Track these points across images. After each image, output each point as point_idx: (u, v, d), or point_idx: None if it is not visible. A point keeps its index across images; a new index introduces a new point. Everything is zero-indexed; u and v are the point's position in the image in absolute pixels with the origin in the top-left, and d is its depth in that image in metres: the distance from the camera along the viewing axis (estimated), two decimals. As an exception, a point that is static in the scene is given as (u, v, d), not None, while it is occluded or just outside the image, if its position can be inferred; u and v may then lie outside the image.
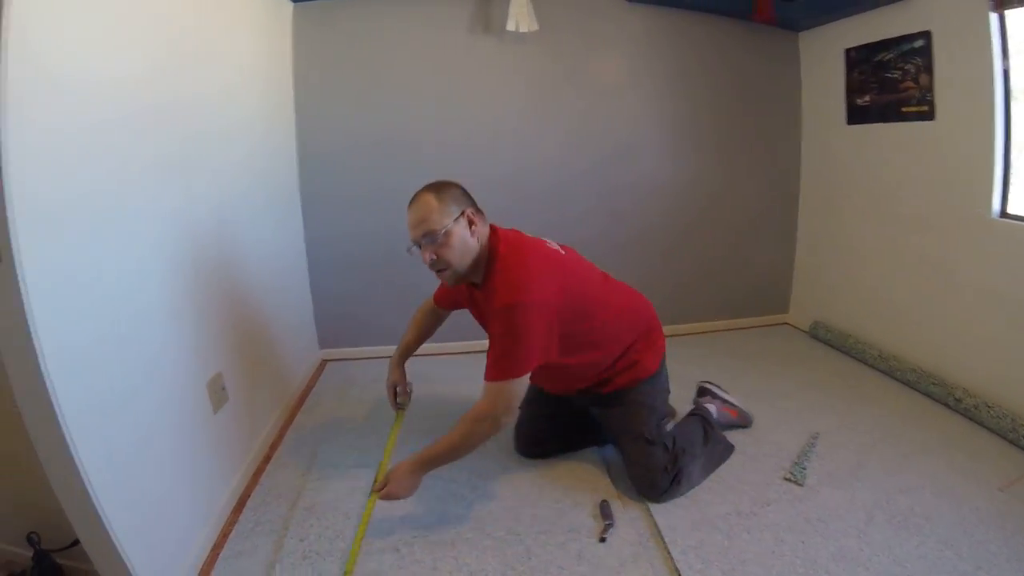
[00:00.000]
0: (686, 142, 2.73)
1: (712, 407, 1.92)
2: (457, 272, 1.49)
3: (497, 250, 1.48)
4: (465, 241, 1.46)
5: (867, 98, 2.41)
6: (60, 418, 1.12)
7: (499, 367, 1.42)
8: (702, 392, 2.06)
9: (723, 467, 1.82)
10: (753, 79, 2.70)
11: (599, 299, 1.61)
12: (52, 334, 1.08)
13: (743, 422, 2.01)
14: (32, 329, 1.04)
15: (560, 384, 1.76)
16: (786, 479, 1.75)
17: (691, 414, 1.90)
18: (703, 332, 2.95)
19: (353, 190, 2.65)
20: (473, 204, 1.54)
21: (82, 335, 1.19)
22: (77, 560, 1.56)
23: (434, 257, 1.45)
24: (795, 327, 3.01)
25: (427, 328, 1.91)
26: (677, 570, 1.41)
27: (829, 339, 2.71)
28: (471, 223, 1.48)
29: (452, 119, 2.64)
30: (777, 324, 3.06)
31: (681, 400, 2.04)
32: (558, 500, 1.70)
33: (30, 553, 1.55)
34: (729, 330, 2.97)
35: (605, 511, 1.64)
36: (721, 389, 2.06)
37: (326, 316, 2.74)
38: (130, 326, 1.36)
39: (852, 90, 2.49)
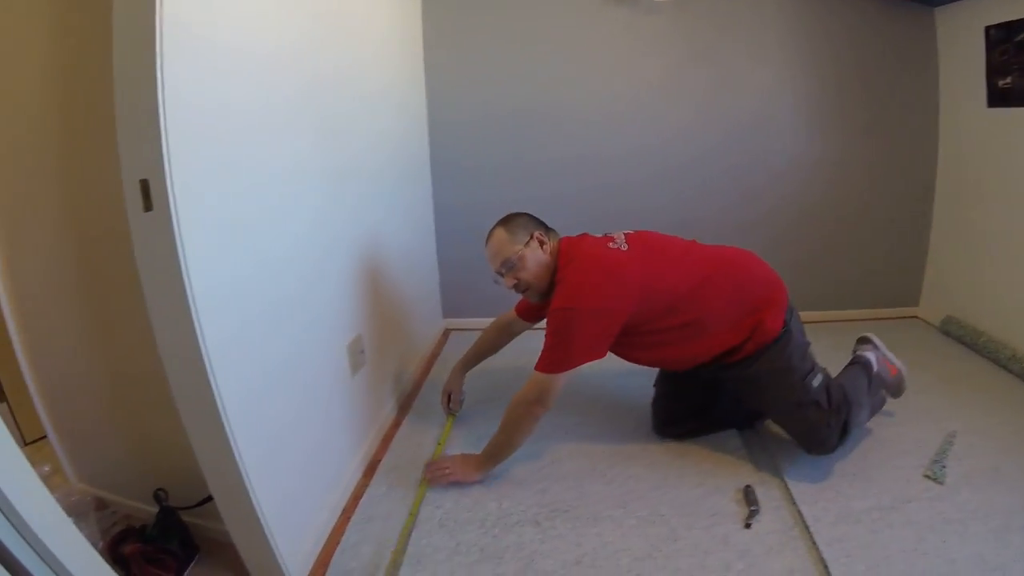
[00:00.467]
0: (816, 122, 2.74)
1: (871, 355, 1.94)
2: (539, 289, 1.76)
3: (560, 262, 1.71)
4: (539, 260, 1.73)
5: (1009, 80, 2.35)
6: (206, 361, 1.16)
7: (544, 361, 1.63)
8: (863, 340, 2.06)
9: (865, 460, 1.91)
10: (887, 58, 2.63)
11: (681, 283, 1.68)
12: (202, 277, 1.11)
13: (895, 387, 1.99)
14: (184, 272, 1.08)
15: (683, 365, 1.82)
16: (926, 476, 1.78)
17: (853, 363, 1.95)
18: (827, 321, 2.98)
19: (481, 160, 2.83)
20: (541, 226, 1.80)
21: (229, 279, 1.22)
22: (203, 519, 1.66)
23: (515, 281, 1.75)
24: (925, 321, 2.96)
25: (498, 342, 2.16)
26: (823, 561, 1.45)
27: (961, 335, 2.64)
28: (541, 243, 1.74)
29: (582, 91, 2.73)
30: (906, 317, 3.05)
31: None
32: (699, 483, 1.81)
33: (155, 509, 1.65)
34: (854, 320, 2.96)
35: (750, 497, 1.75)
36: (881, 343, 2.04)
37: (451, 285, 2.93)
38: (277, 276, 1.41)
39: (993, 71, 2.39)
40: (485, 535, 1.64)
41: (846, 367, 1.94)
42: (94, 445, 1.85)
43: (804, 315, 2.73)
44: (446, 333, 2.97)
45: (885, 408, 2.09)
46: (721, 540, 1.56)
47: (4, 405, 2.00)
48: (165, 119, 1.01)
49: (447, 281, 2.93)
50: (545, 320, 1.68)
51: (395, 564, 1.57)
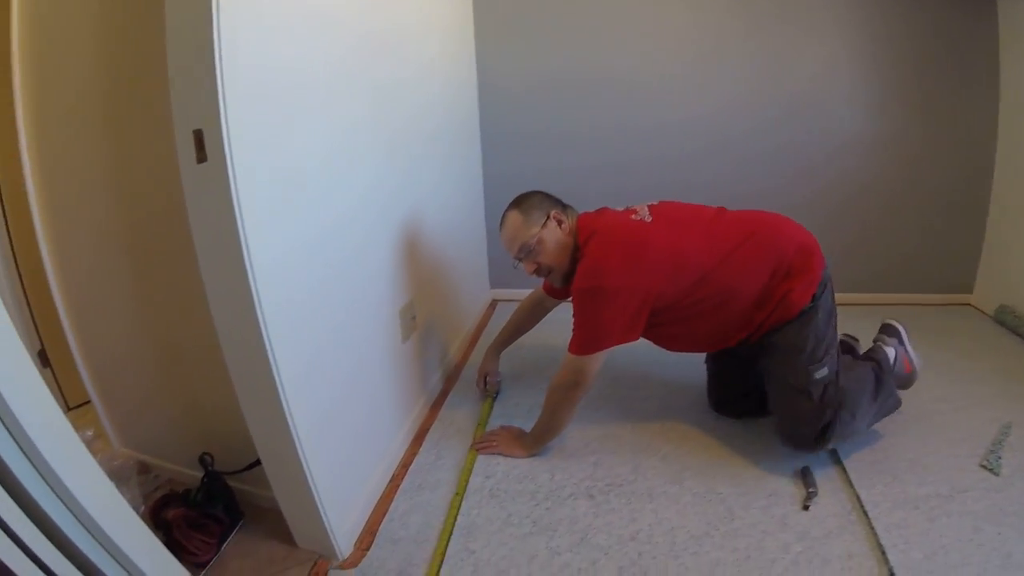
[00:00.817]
0: (871, 100, 2.64)
1: (892, 351, 1.83)
2: (562, 271, 1.69)
3: (580, 239, 1.63)
4: (558, 241, 1.66)
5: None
6: (262, 324, 1.14)
7: (575, 343, 1.58)
8: (889, 331, 1.93)
9: (922, 446, 1.85)
10: (945, 36, 2.53)
11: (710, 254, 1.58)
12: (259, 235, 1.09)
13: (904, 382, 1.89)
14: (240, 227, 1.06)
15: (718, 341, 1.75)
16: (982, 466, 1.74)
17: (866, 358, 1.82)
18: (878, 304, 2.93)
19: (532, 128, 2.79)
20: (557, 203, 1.70)
21: (286, 240, 1.21)
22: (248, 484, 1.65)
23: (536, 266, 1.69)
24: (978, 309, 2.87)
25: (530, 320, 2.11)
26: (881, 547, 1.43)
27: (1016, 326, 2.58)
28: (559, 222, 1.66)
29: (635, 58, 2.67)
30: (959, 304, 2.99)
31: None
32: (756, 462, 1.78)
33: (199, 475, 1.65)
34: (903, 304, 2.90)
35: (807, 478, 1.72)
36: (907, 335, 1.92)
37: (499, 255, 2.80)
38: (332, 239, 1.40)
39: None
40: (537, 507, 1.62)
41: (859, 362, 1.82)
42: (138, 410, 1.85)
43: (854, 297, 2.70)
44: (493, 304, 2.95)
45: (939, 393, 2.05)
46: (779, 521, 1.53)
47: (48, 371, 1.99)
48: (221, 66, 0.98)
49: (496, 251, 2.88)
50: None
51: (446, 534, 1.56)
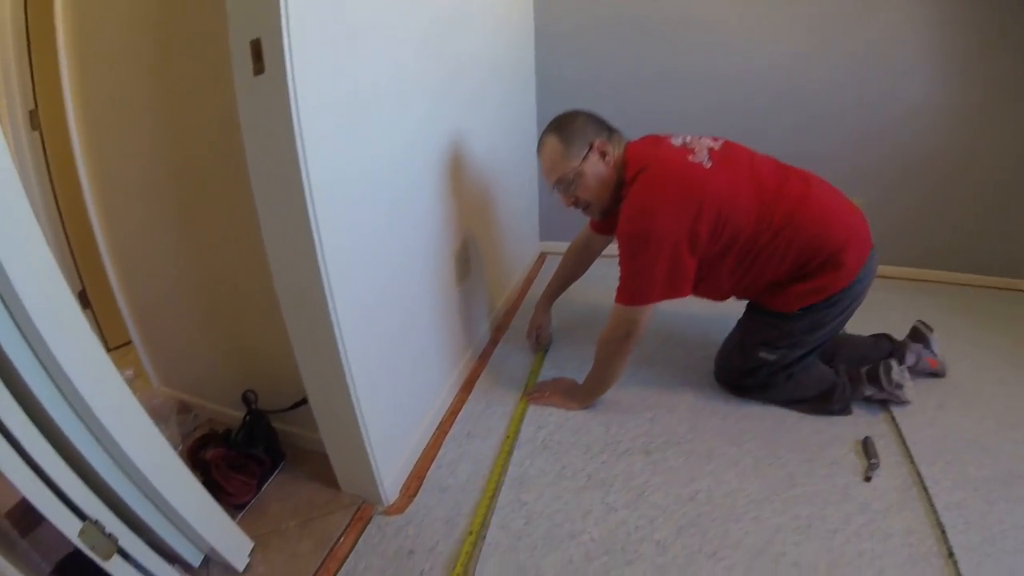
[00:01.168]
0: (942, 69, 2.50)
1: (912, 357, 1.76)
2: (601, 207, 1.55)
3: (627, 172, 1.46)
4: (599, 176, 1.49)
5: None
6: (320, 255, 1.09)
7: (624, 293, 1.47)
8: (917, 336, 1.85)
9: (982, 428, 1.71)
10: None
11: (749, 225, 1.45)
12: (318, 157, 1.03)
13: (937, 375, 1.87)
14: (299, 143, 0.99)
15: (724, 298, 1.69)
16: None
17: (835, 375, 1.72)
18: (928, 280, 2.84)
19: (588, 74, 2.63)
20: (603, 129, 1.51)
21: (348, 172, 1.16)
22: (291, 425, 1.61)
23: (573, 199, 1.55)
24: None
25: (580, 264, 1.98)
26: (941, 526, 1.38)
27: None
28: (602, 154, 1.48)
29: (695, 2, 2.51)
30: (1013, 290, 2.95)
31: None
32: (818, 429, 1.71)
33: (240, 414, 1.60)
34: (958, 284, 2.81)
35: (869, 449, 1.66)
36: (935, 341, 1.84)
37: (550, 206, 2.71)
38: (390, 173, 1.34)
39: None
40: (592, 461, 1.57)
41: (827, 373, 1.72)
42: (180, 350, 1.80)
43: (905, 271, 2.60)
44: (542, 257, 2.85)
45: (1000, 376, 1.96)
46: (841, 491, 1.48)
47: (88, 312, 1.94)
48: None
49: (547, 203, 2.77)
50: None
51: (496, 483, 1.51)
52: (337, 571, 1.32)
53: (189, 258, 1.53)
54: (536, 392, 1.77)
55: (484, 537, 1.37)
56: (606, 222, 1.71)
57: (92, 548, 1.03)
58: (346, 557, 1.36)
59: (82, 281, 1.92)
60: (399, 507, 1.47)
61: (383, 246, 1.35)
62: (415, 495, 1.50)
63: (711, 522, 1.37)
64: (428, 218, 1.58)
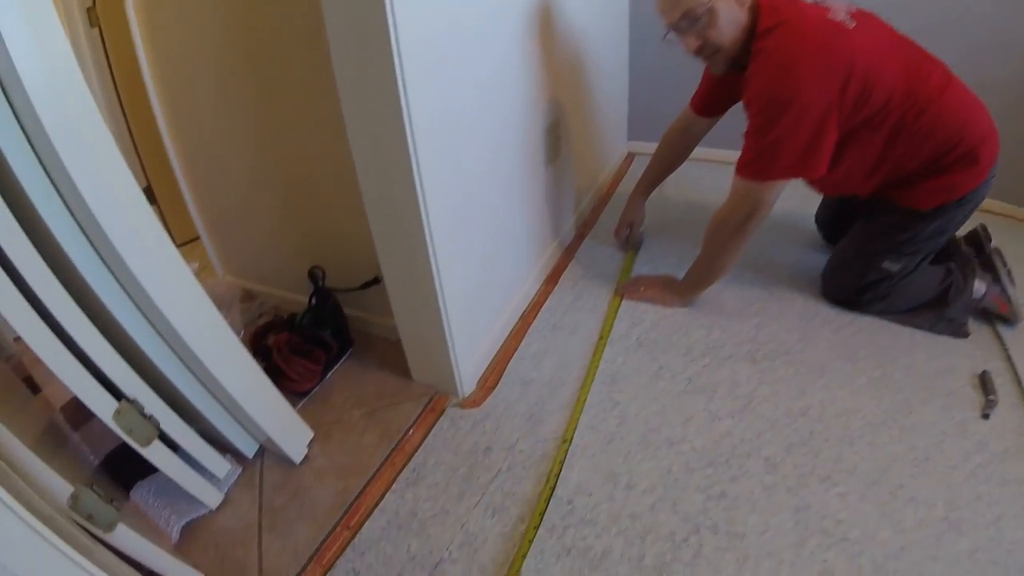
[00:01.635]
0: None
1: (982, 287, 1.51)
2: (729, 56, 1.27)
3: (760, 24, 1.22)
4: (733, 17, 1.22)
5: None
6: (407, 127, 0.97)
7: (749, 167, 1.26)
8: (987, 264, 1.53)
9: None
10: None
11: (895, 95, 1.23)
12: (410, 23, 0.91)
13: (1007, 320, 1.56)
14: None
15: (843, 187, 1.48)
16: None
17: (947, 271, 1.48)
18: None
19: None
20: None
21: (439, 38, 1.02)
22: (361, 310, 1.49)
23: (700, 43, 1.25)
24: None
25: (677, 153, 1.75)
26: None
27: None
28: None
29: None
30: None
31: None
32: (933, 356, 1.50)
33: (305, 299, 1.47)
34: None
35: (987, 384, 1.47)
36: (1009, 276, 1.55)
37: (641, 103, 2.45)
38: (483, 41, 1.19)
39: None
40: (693, 364, 1.39)
41: (937, 273, 1.49)
42: (246, 239, 1.68)
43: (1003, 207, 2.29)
44: (630, 158, 2.55)
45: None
46: (958, 426, 1.27)
47: (155, 207, 1.88)
48: None
49: (637, 98, 2.47)
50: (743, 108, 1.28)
51: (589, 379, 1.34)
52: (404, 465, 1.20)
53: (261, 144, 1.41)
54: (630, 286, 1.61)
55: (570, 440, 1.22)
56: (712, 102, 1.55)
57: (129, 432, 0.92)
58: (415, 451, 1.23)
59: (147, 177, 1.87)
60: (476, 400, 1.32)
61: (474, 111, 1.17)
62: (494, 388, 1.35)
63: (824, 442, 1.18)
64: (520, 89, 1.38)
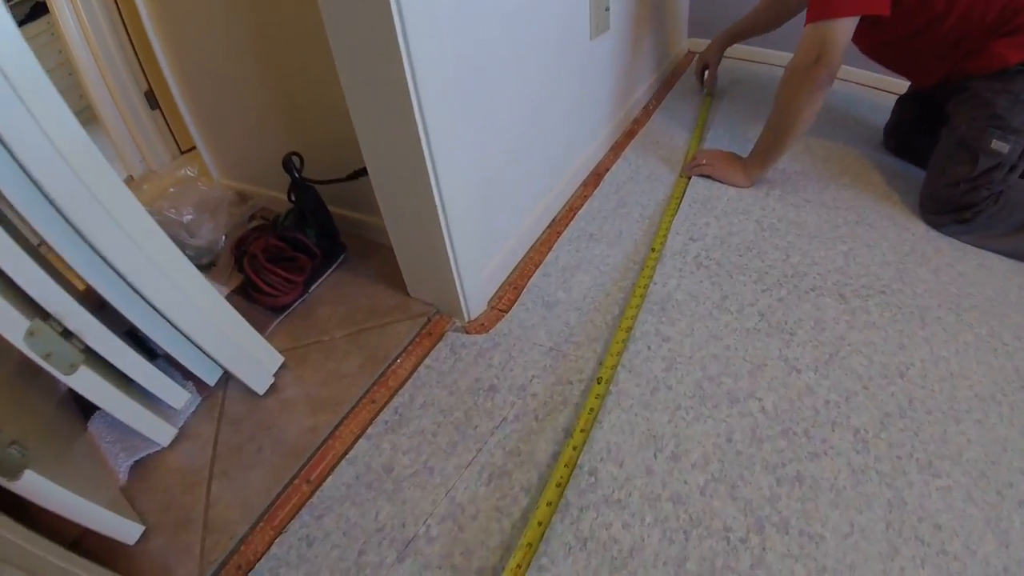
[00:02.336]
0: None
1: None
2: None
3: None
4: None
5: None
6: None
7: (814, 8, 1.11)
8: None
9: None
10: None
11: None
12: None
13: None
14: None
15: (909, 67, 1.33)
16: None
17: None
18: None
19: None
20: None
21: None
22: (355, 210, 1.22)
23: None
24: None
25: (769, 17, 1.64)
26: None
27: None
28: None
29: None
30: None
31: None
32: None
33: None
34: None
35: None
36: None
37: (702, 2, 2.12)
38: None
39: None
40: (766, 294, 1.06)
41: None
42: (234, 136, 1.43)
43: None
44: (690, 55, 2.20)
45: None
46: None
47: (157, 112, 1.68)
48: None
49: None
50: None
51: (633, 305, 1.03)
52: (386, 403, 0.93)
53: (246, 53, 1.16)
54: (693, 164, 1.39)
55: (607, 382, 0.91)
56: None
57: (47, 357, 0.69)
58: (401, 385, 0.95)
59: (148, 80, 1.66)
60: (485, 324, 1.03)
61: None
62: (509, 310, 1.04)
63: (926, 416, 0.86)
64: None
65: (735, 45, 1.75)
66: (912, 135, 1.40)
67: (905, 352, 0.96)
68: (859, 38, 1.20)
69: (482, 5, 0.86)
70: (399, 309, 1.07)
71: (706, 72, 1.75)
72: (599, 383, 0.89)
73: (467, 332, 1.00)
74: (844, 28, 1.09)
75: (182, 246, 1.19)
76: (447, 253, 0.91)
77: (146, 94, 1.63)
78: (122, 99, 1.57)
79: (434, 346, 1.00)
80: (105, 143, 1.60)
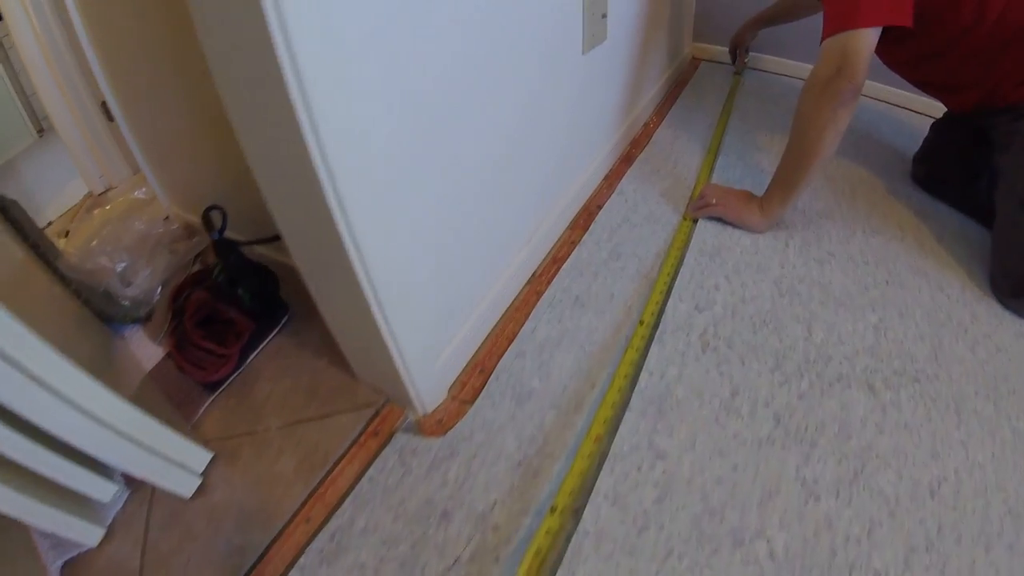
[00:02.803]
0: None
1: None
2: None
3: None
4: None
5: None
6: None
7: (831, 21, 0.98)
8: None
9: None
10: None
11: None
12: None
13: None
14: None
15: (949, 90, 1.14)
16: None
17: None
18: None
19: None
20: None
21: None
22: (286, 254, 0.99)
23: None
24: None
25: (798, 6, 1.55)
26: None
27: None
28: None
29: None
30: None
31: None
32: None
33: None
34: None
35: None
36: None
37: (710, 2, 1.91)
38: None
39: None
40: (784, 388, 0.88)
41: None
42: (181, 171, 1.27)
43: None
44: (693, 63, 1.99)
45: None
46: None
47: (115, 125, 1.47)
48: None
49: None
50: None
51: (612, 401, 0.85)
52: (323, 523, 0.75)
53: (181, 79, 0.99)
54: (700, 203, 1.18)
55: (576, 513, 0.73)
56: None
57: None
58: (340, 501, 0.78)
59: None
60: (443, 421, 0.84)
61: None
62: (473, 400, 0.86)
63: (955, 546, 0.69)
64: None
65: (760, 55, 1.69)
66: (943, 166, 1.23)
67: (939, 462, 0.78)
68: (881, 55, 1.06)
69: (430, 26, 0.62)
70: (344, 394, 0.89)
71: (737, 52, 1.75)
72: (552, 512, 0.70)
73: (421, 430, 0.82)
74: (866, 39, 0.94)
75: (116, 298, 1.01)
76: (387, 347, 0.71)
77: (102, 105, 1.47)
78: (79, 111, 1.42)
79: (380, 450, 0.81)
80: (65, 157, 1.49)
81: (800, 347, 0.92)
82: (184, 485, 0.79)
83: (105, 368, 0.97)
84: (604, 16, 1.08)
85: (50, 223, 1.48)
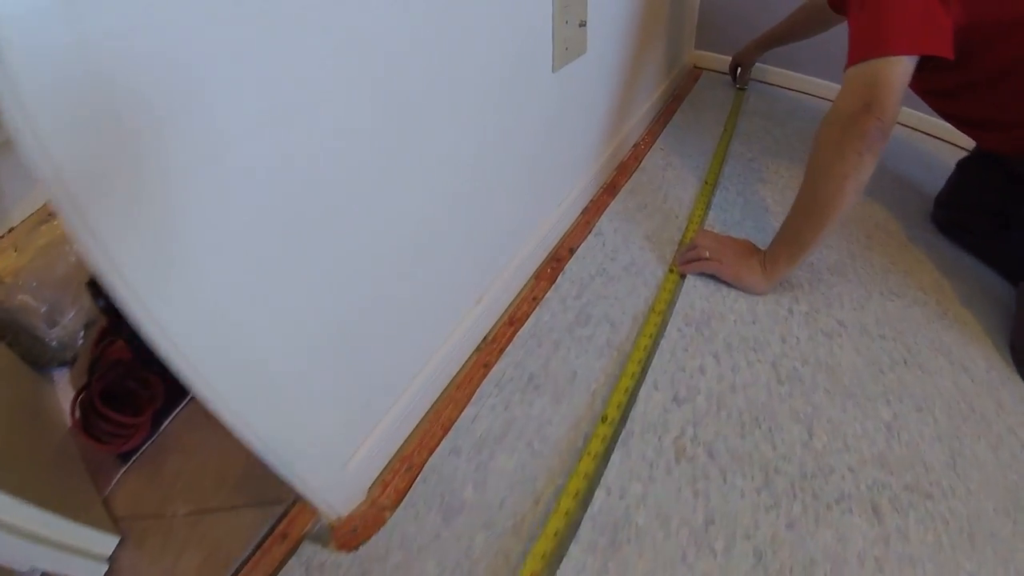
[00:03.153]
0: None
1: None
2: None
3: None
4: None
5: None
6: None
7: (857, 47, 0.83)
8: None
9: None
10: None
11: None
12: None
13: None
14: None
15: (975, 127, 1.00)
16: None
17: None
18: None
19: None
20: None
21: None
22: None
23: None
24: None
25: (805, 26, 1.44)
26: None
27: None
28: None
29: None
30: None
31: None
32: None
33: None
34: None
35: None
36: None
37: (714, 7, 1.73)
38: None
39: None
40: (771, 514, 0.73)
41: None
42: None
43: None
44: (694, 73, 1.81)
45: None
46: None
47: None
48: None
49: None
50: None
51: (557, 527, 0.70)
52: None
53: None
54: (690, 253, 1.00)
55: None
56: None
57: None
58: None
59: None
60: (358, 531, 0.69)
61: None
62: (395, 507, 0.69)
63: None
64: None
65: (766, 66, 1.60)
66: (969, 213, 1.08)
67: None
68: (912, 83, 0.90)
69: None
70: (253, 483, 0.75)
71: (739, 70, 1.65)
72: None
73: (333, 539, 0.67)
74: (899, 69, 0.81)
75: (43, 341, 0.92)
76: (276, 468, 0.53)
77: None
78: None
79: (286, 559, 0.68)
80: (22, 172, 1.25)
81: (797, 456, 0.75)
82: (90, 574, 0.68)
83: (33, 419, 0.85)
84: (583, 24, 0.89)
85: (11, 229, 1.32)
